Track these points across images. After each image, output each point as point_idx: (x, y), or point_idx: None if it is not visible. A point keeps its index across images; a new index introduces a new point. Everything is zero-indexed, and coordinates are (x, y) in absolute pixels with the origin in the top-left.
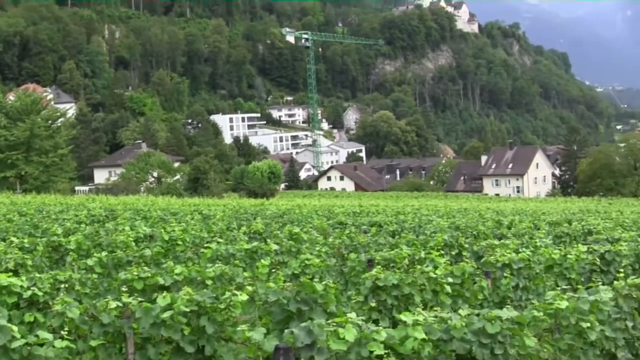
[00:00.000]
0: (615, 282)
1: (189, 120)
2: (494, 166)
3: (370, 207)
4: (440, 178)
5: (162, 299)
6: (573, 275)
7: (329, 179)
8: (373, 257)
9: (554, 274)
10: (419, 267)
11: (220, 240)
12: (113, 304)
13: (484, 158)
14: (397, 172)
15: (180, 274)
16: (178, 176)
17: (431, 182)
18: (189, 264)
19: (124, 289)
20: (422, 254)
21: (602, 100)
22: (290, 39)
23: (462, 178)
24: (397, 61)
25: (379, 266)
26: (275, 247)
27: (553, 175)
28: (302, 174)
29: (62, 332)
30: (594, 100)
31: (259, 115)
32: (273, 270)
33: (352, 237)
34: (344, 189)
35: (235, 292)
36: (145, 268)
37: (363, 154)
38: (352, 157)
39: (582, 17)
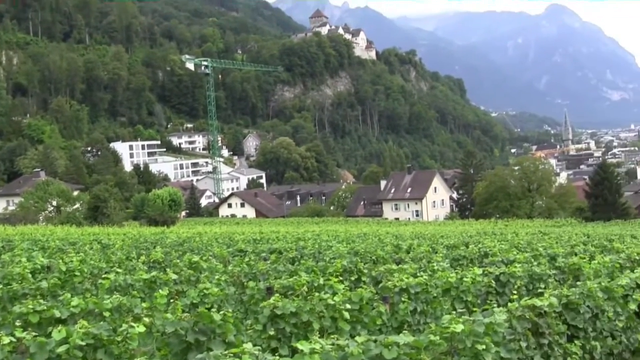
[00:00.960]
0: (509, 304)
1: (89, 148)
2: (393, 191)
3: (270, 233)
4: (341, 203)
5: (58, 333)
6: (469, 298)
7: (229, 205)
8: (272, 285)
9: (451, 297)
10: (317, 294)
11: (119, 270)
12: (6, 339)
13: (383, 183)
14: (298, 197)
15: (77, 306)
16: (77, 205)
17: (331, 208)
18: (87, 295)
19: (18, 323)
20: (321, 281)
21: (497, 124)
22: (190, 65)
23: (362, 203)
24: (297, 88)
25: (278, 294)
26: (174, 276)
27: (451, 198)
28: (203, 201)
29: None
30: (489, 125)
31: (159, 142)
32: (172, 300)
33: (251, 264)
34: (244, 216)
35: (132, 324)
36: (42, 301)
37: (263, 181)
38: (253, 184)
39: (476, 45)
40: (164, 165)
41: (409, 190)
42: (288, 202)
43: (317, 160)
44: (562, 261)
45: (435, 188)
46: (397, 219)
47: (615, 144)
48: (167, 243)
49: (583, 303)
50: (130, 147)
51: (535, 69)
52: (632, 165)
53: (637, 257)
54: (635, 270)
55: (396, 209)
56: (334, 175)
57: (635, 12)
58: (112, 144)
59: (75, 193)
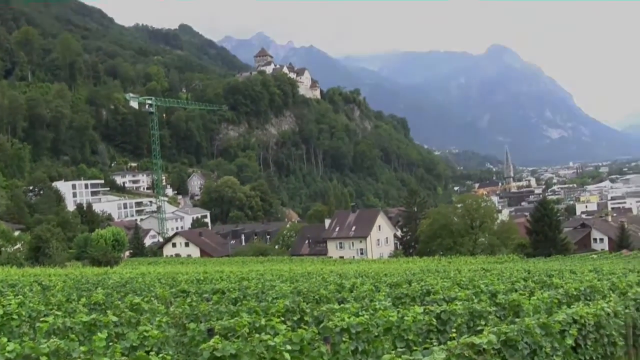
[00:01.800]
0: (449, 342)
1: (31, 187)
2: (337, 229)
3: (214, 273)
4: (285, 242)
5: None
6: (411, 337)
7: (174, 245)
8: (213, 326)
9: (393, 335)
10: (257, 335)
11: (58, 312)
12: None
13: (327, 221)
14: (242, 237)
15: (13, 351)
16: (18, 245)
17: (276, 247)
18: (24, 340)
19: None
20: (263, 321)
21: (440, 162)
22: (134, 104)
23: (306, 241)
24: (241, 126)
25: (219, 335)
26: (114, 318)
27: (395, 236)
28: (147, 241)
29: None
30: (432, 163)
31: (102, 181)
32: (111, 344)
33: (193, 305)
34: (189, 255)
35: None
36: None
37: (208, 220)
38: (197, 223)
39: (419, 84)
40: (108, 205)
41: (353, 228)
42: (233, 241)
43: (262, 199)
44: (502, 298)
45: (379, 226)
46: (341, 257)
47: (555, 181)
48: (109, 284)
49: (521, 339)
50: (73, 187)
51: (477, 108)
52: (571, 202)
53: (575, 293)
54: (572, 306)
55: (341, 247)
56: (279, 214)
57: (572, 53)
58: (54, 183)
59: (16, 233)
